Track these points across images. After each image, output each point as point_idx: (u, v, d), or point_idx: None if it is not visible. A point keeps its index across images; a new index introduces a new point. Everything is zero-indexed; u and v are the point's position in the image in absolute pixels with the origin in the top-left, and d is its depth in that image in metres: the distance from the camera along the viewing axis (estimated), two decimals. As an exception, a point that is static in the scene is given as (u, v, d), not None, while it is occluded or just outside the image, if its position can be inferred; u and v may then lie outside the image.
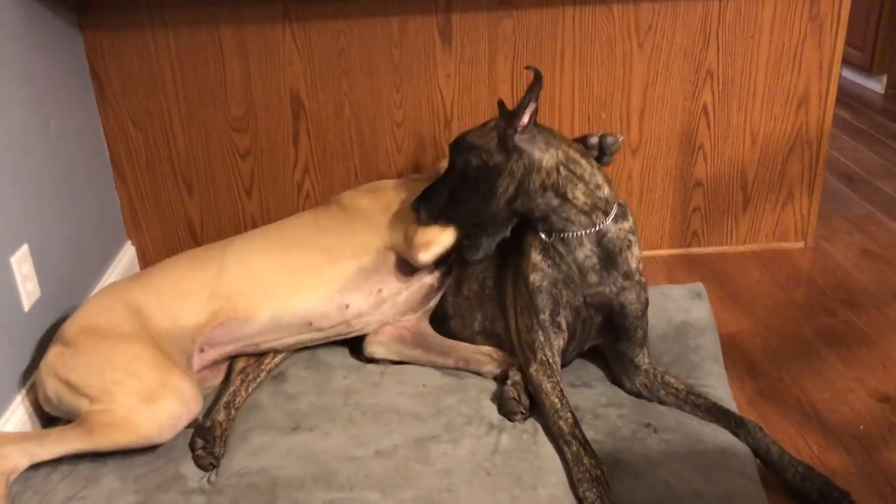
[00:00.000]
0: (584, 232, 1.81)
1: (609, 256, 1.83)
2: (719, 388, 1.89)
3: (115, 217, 2.57)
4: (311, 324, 1.95)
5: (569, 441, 1.67)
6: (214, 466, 1.70)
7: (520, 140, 1.77)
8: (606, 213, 1.81)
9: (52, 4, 2.18)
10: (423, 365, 2.01)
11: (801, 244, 2.78)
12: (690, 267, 2.68)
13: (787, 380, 2.07)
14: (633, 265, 1.85)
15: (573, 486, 1.60)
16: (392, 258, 1.98)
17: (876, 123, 4.05)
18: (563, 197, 1.78)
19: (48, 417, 1.89)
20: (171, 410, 1.68)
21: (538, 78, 1.75)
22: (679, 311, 2.16)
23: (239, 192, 2.61)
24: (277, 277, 1.94)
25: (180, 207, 2.62)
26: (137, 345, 1.75)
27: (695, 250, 2.77)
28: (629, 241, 1.84)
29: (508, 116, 1.79)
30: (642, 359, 1.89)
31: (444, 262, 2.02)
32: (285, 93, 2.48)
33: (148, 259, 2.66)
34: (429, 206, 1.87)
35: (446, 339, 2.04)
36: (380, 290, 1.98)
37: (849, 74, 4.66)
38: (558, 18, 2.44)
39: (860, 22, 4.27)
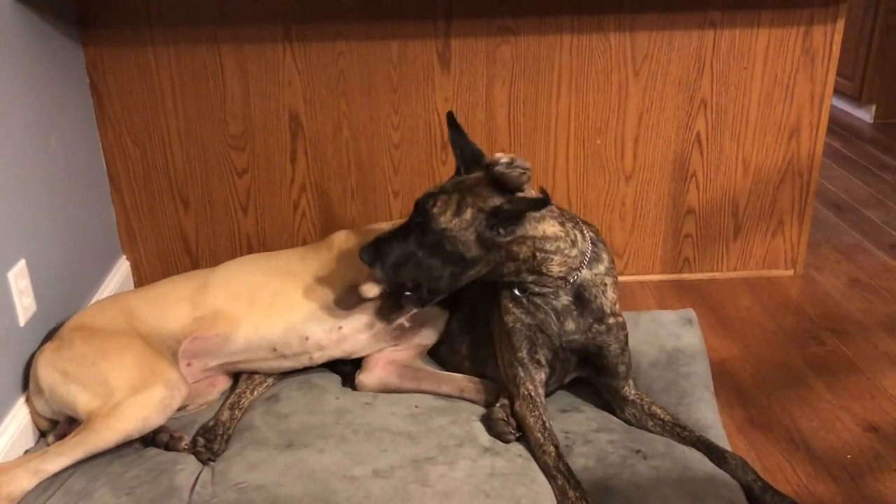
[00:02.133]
0: (560, 289, 1.80)
1: (584, 303, 1.82)
2: (709, 415, 1.91)
3: (111, 232, 2.57)
4: (275, 349, 1.98)
5: (553, 475, 1.69)
6: (212, 460, 1.78)
7: (499, 240, 1.69)
8: (581, 266, 1.80)
9: (54, 19, 2.20)
10: (415, 393, 2.02)
11: (790, 272, 2.81)
12: (681, 293, 2.71)
13: (775, 407, 2.10)
14: (607, 308, 1.84)
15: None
16: (356, 296, 1.96)
17: (865, 153, 4.11)
18: (538, 273, 1.77)
19: (42, 433, 1.90)
20: (161, 394, 1.76)
21: (545, 202, 1.63)
22: (670, 336, 2.18)
23: (235, 210, 2.62)
24: (251, 299, 1.99)
25: (176, 223, 2.63)
26: (127, 338, 1.86)
27: (686, 276, 2.80)
28: (604, 284, 1.83)
29: (493, 213, 1.67)
30: (628, 390, 1.91)
31: (415, 302, 2.00)
32: (284, 112, 2.51)
33: (142, 273, 2.67)
34: (384, 262, 1.76)
35: (439, 372, 2.06)
36: (340, 328, 1.99)
37: (838, 104, 4.72)
38: (556, 45, 2.47)
39: (850, 52, 4.33)
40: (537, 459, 1.75)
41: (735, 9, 2.46)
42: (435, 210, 1.72)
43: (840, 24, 2.48)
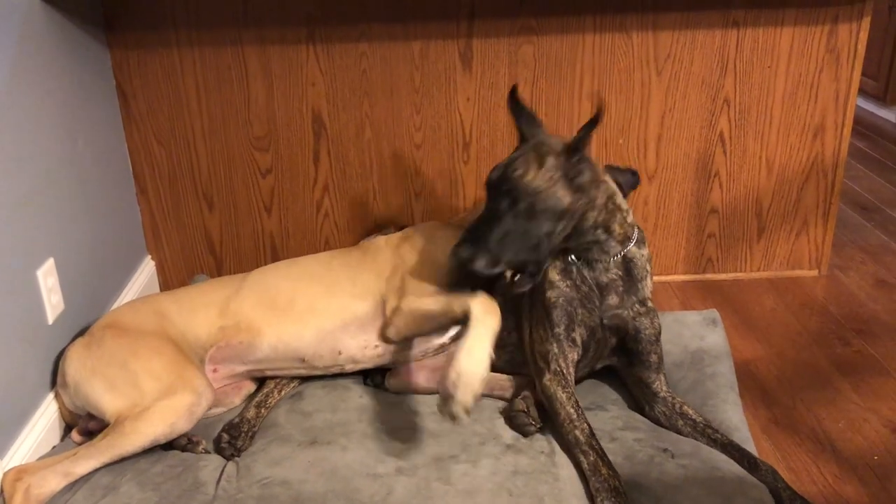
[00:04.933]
0: (612, 259, 1.84)
1: (632, 280, 1.86)
2: (734, 417, 1.90)
3: (137, 232, 2.60)
4: (303, 360, 1.96)
5: (586, 451, 1.68)
6: (235, 457, 1.79)
7: (583, 179, 1.70)
8: (631, 239, 1.85)
9: (81, 22, 2.23)
10: None
11: (815, 272, 2.79)
12: (705, 293, 2.69)
13: (800, 408, 2.08)
14: (647, 292, 1.90)
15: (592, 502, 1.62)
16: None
17: (890, 153, 4.07)
18: (608, 231, 1.80)
19: (69, 428, 1.92)
20: (188, 401, 1.76)
21: (601, 110, 1.67)
22: (694, 337, 2.17)
23: (259, 210, 2.64)
24: (278, 306, 1.97)
25: (200, 223, 2.65)
26: (158, 340, 1.86)
27: (709, 276, 2.78)
28: (647, 269, 1.89)
29: (568, 151, 1.69)
30: (660, 386, 1.90)
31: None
32: (307, 113, 2.52)
33: (167, 274, 2.69)
34: (486, 248, 1.68)
35: None
36: (376, 346, 1.95)
37: (863, 104, 4.68)
38: (578, 45, 2.47)
39: (875, 52, 4.29)
40: (567, 435, 1.73)
41: (758, 7, 2.45)
42: (519, 173, 1.70)
43: (865, 23, 2.46)
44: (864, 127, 4.43)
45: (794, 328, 2.46)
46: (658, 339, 1.90)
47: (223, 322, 1.95)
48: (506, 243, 1.69)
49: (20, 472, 1.66)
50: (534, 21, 2.44)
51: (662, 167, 2.64)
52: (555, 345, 1.84)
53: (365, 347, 1.95)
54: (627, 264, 1.85)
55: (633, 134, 2.59)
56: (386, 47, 2.46)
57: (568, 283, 1.85)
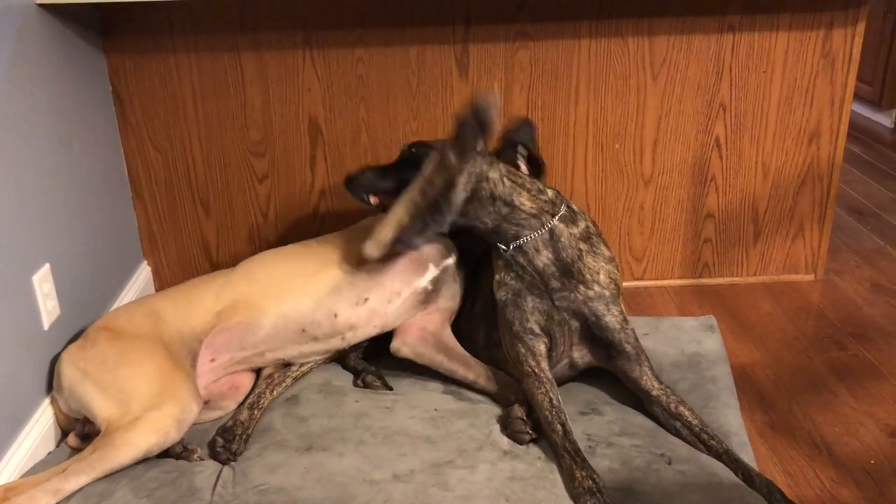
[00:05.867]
0: (536, 234, 1.86)
1: (564, 265, 1.87)
2: (733, 422, 1.89)
3: (133, 237, 2.60)
4: (304, 331, 1.99)
5: (561, 455, 1.70)
6: (231, 461, 1.79)
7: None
8: (554, 215, 1.88)
9: (78, 28, 2.23)
10: (444, 373, 2.04)
11: (811, 277, 2.79)
12: (701, 298, 2.69)
13: (797, 412, 2.08)
14: (588, 275, 1.88)
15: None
16: (377, 267, 2.01)
17: (885, 157, 4.08)
18: (511, 205, 1.85)
19: (65, 434, 1.92)
20: (175, 411, 1.75)
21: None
22: (691, 342, 2.17)
23: (255, 215, 2.64)
24: (274, 283, 2.02)
25: (196, 229, 2.65)
26: (151, 345, 1.86)
27: (705, 281, 2.78)
28: (580, 250, 1.88)
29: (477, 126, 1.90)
30: (649, 382, 1.87)
31: (437, 265, 2.06)
32: (304, 118, 2.52)
33: (163, 279, 2.69)
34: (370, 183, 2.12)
35: (468, 356, 2.06)
36: (366, 300, 2.01)
37: (858, 108, 4.69)
38: (574, 50, 2.48)
39: (870, 56, 4.31)
40: (547, 438, 1.78)
41: (754, 12, 2.45)
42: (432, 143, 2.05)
43: (860, 28, 2.47)
44: (859, 132, 4.44)
45: (790, 332, 2.47)
46: (624, 328, 1.88)
47: (219, 306, 1.98)
48: (395, 183, 2.06)
49: (8, 492, 1.62)
50: (530, 26, 2.45)
51: (659, 172, 2.64)
52: (519, 345, 1.88)
53: (356, 304, 1.99)
54: (556, 245, 1.87)
55: (630, 139, 2.59)
56: (382, 52, 2.46)
57: (512, 274, 1.91)
